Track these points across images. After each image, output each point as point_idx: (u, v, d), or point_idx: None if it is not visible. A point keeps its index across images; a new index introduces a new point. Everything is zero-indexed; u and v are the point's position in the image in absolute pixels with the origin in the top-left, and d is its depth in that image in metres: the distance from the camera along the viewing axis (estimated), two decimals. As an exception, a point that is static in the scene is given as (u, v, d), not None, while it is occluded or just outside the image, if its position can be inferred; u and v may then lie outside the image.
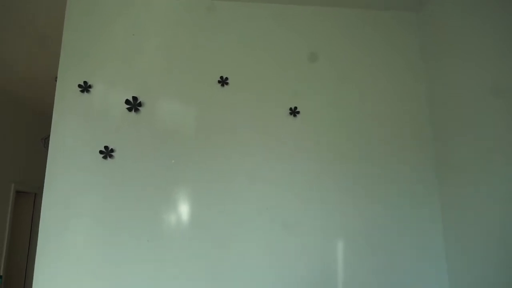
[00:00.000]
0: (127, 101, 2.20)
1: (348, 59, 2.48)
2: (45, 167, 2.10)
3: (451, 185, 2.26)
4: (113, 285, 2.02)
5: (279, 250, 2.16)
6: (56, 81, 2.20)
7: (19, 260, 4.68)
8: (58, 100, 2.19)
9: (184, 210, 2.16)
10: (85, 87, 2.19)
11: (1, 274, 4.05)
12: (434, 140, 2.40)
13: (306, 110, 2.34)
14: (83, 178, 2.11)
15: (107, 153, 2.13)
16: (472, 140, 2.09)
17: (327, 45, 2.48)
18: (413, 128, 2.42)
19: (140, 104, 2.22)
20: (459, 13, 2.23)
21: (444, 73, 2.35)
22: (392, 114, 2.42)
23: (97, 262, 2.04)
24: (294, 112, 2.33)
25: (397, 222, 2.28)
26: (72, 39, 2.27)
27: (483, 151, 1.99)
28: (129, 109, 2.20)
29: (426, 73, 2.50)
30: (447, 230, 2.27)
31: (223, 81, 2.31)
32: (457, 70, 2.22)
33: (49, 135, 2.15)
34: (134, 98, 2.21)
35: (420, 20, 2.58)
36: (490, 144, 1.95)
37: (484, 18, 2.04)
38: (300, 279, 2.15)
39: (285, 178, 2.25)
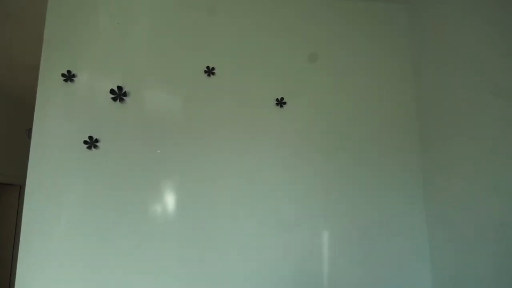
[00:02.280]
0: (112, 91, 2.17)
1: (339, 52, 2.48)
2: (29, 158, 2.07)
3: (436, 182, 2.28)
4: (98, 277, 2.01)
5: (265, 244, 2.17)
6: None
7: (5, 254, 4.62)
8: (41, 90, 2.14)
9: (170, 201, 2.14)
10: (68, 76, 2.15)
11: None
12: (421, 139, 2.42)
13: (292, 101, 2.33)
14: (67, 169, 2.08)
15: (91, 143, 2.10)
16: (458, 140, 2.11)
17: (316, 37, 2.47)
18: (401, 126, 2.44)
19: (125, 94, 2.19)
20: (447, 7, 2.24)
21: (432, 68, 2.36)
22: (381, 109, 2.44)
23: (81, 253, 2.01)
24: (280, 102, 2.32)
25: (382, 219, 2.31)
26: (55, 26, 2.22)
27: (471, 150, 2.01)
28: (114, 99, 2.17)
29: (415, 67, 2.51)
30: (431, 226, 2.30)
31: (209, 71, 2.28)
32: (445, 66, 2.23)
33: (33, 125, 2.11)
34: (119, 88, 2.18)
35: (409, 13, 2.58)
36: (481, 144, 1.96)
37: (472, 13, 2.05)
38: (286, 273, 2.15)
39: (269, 171, 2.24)
